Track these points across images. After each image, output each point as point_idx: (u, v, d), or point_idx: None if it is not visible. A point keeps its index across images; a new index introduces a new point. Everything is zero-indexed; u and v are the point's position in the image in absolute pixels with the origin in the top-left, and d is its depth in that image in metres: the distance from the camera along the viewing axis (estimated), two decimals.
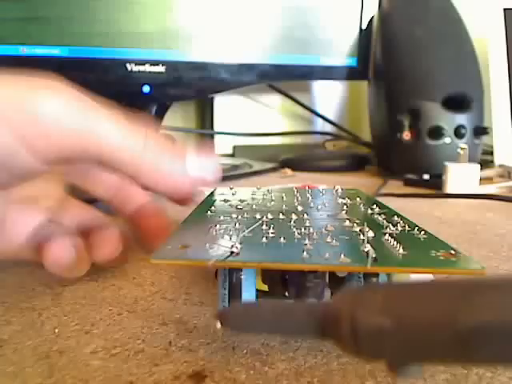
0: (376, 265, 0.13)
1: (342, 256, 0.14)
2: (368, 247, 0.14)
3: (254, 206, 0.21)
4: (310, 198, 0.23)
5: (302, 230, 0.17)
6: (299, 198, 0.23)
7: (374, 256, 0.14)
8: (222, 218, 0.19)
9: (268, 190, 0.25)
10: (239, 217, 0.19)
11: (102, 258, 0.21)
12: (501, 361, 0.07)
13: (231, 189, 0.25)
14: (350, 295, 0.08)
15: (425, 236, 0.16)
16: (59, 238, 0.19)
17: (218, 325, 0.12)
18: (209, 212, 0.20)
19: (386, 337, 0.08)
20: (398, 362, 0.08)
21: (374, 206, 0.21)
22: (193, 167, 0.20)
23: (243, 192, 0.24)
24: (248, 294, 0.15)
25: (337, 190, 0.25)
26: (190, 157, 0.20)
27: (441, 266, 0.13)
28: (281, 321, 0.09)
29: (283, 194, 0.24)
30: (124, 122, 0.18)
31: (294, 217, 0.19)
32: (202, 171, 0.20)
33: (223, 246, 0.15)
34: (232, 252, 0.14)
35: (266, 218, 0.18)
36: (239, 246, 0.14)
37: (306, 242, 0.15)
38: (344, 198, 0.23)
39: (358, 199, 0.23)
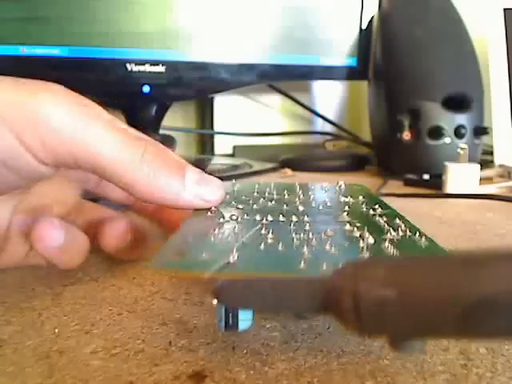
0: None
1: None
2: (367, 256, 0.14)
3: (254, 206, 0.21)
4: (312, 196, 0.23)
5: (302, 235, 0.16)
6: (301, 197, 0.23)
7: None
8: (221, 220, 0.18)
9: (270, 187, 0.25)
10: (239, 219, 0.18)
11: (110, 246, 0.21)
12: (504, 333, 0.07)
13: (233, 184, 0.25)
14: (351, 269, 0.08)
15: (426, 243, 0.16)
16: (47, 218, 0.19)
17: (215, 301, 0.12)
18: (209, 213, 0.20)
19: (388, 311, 0.07)
20: (400, 337, 0.08)
21: (377, 206, 0.21)
22: (191, 187, 0.19)
23: (245, 188, 0.24)
24: None
25: (340, 187, 0.25)
26: (190, 175, 0.19)
27: None
28: (280, 297, 0.09)
29: (285, 192, 0.23)
30: (123, 133, 0.18)
31: (294, 219, 0.18)
32: (200, 192, 0.19)
33: (221, 253, 0.14)
34: (229, 262, 0.14)
35: (266, 220, 0.18)
36: (236, 256, 0.14)
37: (305, 249, 0.15)
38: (347, 197, 0.23)
39: (360, 197, 0.23)
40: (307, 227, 0.17)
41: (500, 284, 0.07)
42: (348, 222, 0.18)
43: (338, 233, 0.17)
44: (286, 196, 0.23)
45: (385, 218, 0.19)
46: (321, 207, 0.21)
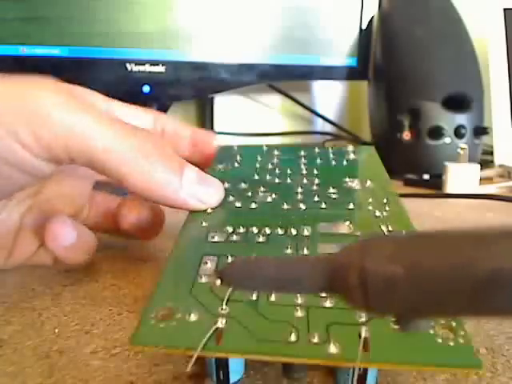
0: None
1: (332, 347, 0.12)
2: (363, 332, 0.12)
3: (252, 205, 0.19)
4: (317, 180, 0.21)
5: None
6: (304, 181, 0.21)
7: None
8: (215, 237, 0.17)
9: (273, 163, 0.23)
10: (234, 236, 0.17)
11: (130, 226, 0.21)
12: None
13: (237, 149, 0.25)
14: (358, 246, 0.08)
15: None
16: (59, 218, 0.19)
17: (218, 282, 0.11)
18: (203, 223, 0.18)
19: (396, 288, 0.07)
20: (408, 315, 0.08)
21: (385, 201, 0.19)
22: (188, 186, 0.18)
23: (247, 162, 0.23)
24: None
25: (349, 155, 0.24)
26: (189, 173, 0.18)
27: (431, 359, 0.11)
28: (285, 276, 0.09)
29: (288, 171, 0.22)
30: (118, 125, 0.17)
31: (293, 232, 0.17)
32: (198, 192, 0.18)
33: (208, 314, 0.13)
34: (217, 328, 0.12)
35: (263, 235, 0.17)
36: (224, 322, 0.13)
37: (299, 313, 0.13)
38: (354, 178, 0.21)
39: (369, 183, 0.21)
40: (305, 244, 0.16)
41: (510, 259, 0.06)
42: (349, 234, 0.17)
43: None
44: (289, 180, 0.21)
45: (389, 227, 0.17)
46: (323, 205, 0.19)
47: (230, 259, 0.15)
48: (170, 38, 0.47)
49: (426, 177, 0.48)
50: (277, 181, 0.21)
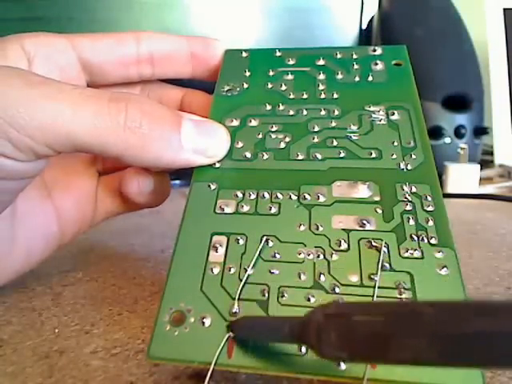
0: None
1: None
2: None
3: (264, 156, 0.17)
4: (336, 112, 0.18)
5: (311, 256, 0.14)
6: (321, 117, 0.18)
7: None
8: (225, 208, 0.15)
9: (286, 82, 0.20)
10: (244, 204, 0.15)
11: (131, 194, 0.20)
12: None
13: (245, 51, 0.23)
14: (313, 323, 0.09)
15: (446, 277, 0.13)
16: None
17: (230, 334, 0.12)
18: (211, 186, 0.16)
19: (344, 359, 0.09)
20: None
21: (413, 156, 0.17)
22: (189, 143, 0.16)
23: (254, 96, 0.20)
24: None
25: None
26: (186, 128, 0.16)
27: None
28: (272, 332, 0.11)
29: (304, 94, 0.19)
30: (95, 101, 0.15)
31: (303, 207, 0.15)
32: (201, 146, 0.16)
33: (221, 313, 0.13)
34: (229, 336, 0.12)
35: (274, 206, 0.15)
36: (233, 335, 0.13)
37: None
38: (379, 106, 0.18)
39: (396, 114, 0.18)
40: (319, 218, 0.15)
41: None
42: (367, 201, 0.15)
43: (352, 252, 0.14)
44: (304, 112, 0.19)
45: (413, 188, 0.16)
46: (342, 153, 0.17)
47: (240, 241, 0.14)
48: None
49: None
50: (291, 113, 0.19)
